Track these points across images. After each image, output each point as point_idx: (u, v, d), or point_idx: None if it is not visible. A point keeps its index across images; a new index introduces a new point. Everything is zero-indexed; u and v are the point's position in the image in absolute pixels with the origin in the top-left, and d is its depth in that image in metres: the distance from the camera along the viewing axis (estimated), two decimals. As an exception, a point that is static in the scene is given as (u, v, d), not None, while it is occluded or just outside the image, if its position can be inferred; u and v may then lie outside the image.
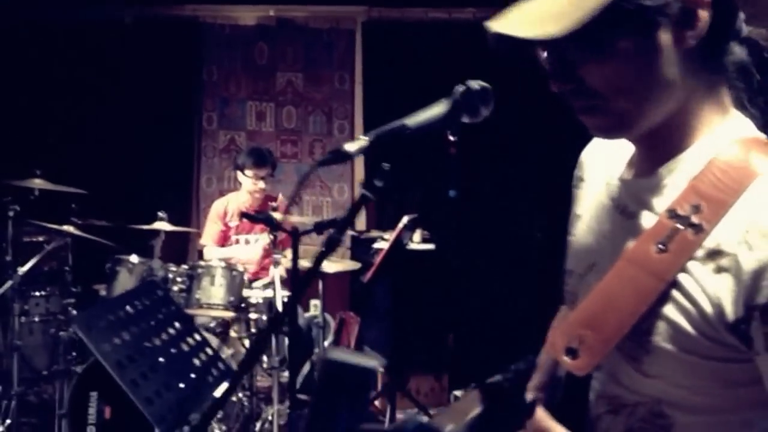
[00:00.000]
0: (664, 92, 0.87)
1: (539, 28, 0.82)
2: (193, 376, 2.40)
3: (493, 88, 1.04)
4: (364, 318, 4.56)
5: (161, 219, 3.57)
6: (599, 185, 1.03)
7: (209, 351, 2.56)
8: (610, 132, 0.93)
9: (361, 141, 1.06)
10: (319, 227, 2.83)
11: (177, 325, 2.55)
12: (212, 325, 3.56)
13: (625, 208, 0.95)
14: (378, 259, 3.72)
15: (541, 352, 1.13)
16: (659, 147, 0.92)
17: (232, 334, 3.57)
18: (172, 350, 2.45)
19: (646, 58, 0.85)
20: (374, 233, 4.50)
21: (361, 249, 4.56)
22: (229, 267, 3.48)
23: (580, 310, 0.92)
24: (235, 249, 4.08)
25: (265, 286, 3.76)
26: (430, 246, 4.33)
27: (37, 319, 3.75)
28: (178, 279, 3.43)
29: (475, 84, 1.04)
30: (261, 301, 3.61)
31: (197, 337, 2.59)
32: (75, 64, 5.03)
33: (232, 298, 3.43)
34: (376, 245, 4.29)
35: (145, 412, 2.13)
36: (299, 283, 3.41)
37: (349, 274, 4.30)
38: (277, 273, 3.36)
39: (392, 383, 3.86)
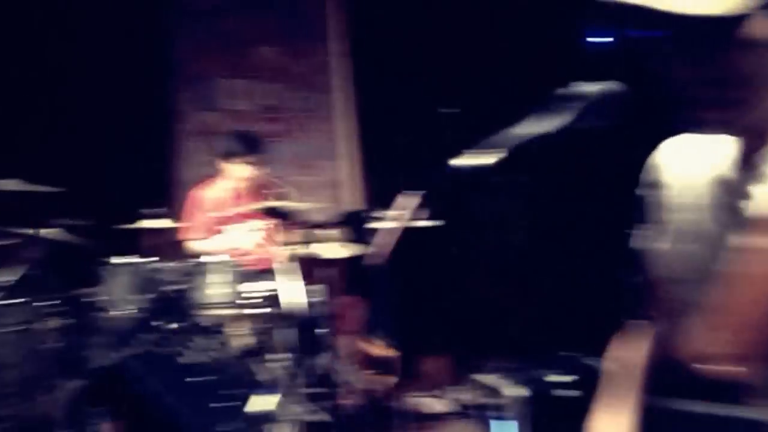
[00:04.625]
0: None
1: (696, 6, 0.80)
2: (222, 392, 2.19)
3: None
4: (368, 301, 4.37)
5: (149, 216, 3.29)
6: (691, 187, 1.00)
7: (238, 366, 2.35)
8: (731, 125, 0.91)
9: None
10: (336, 222, 2.61)
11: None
12: (213, 324, 3.33)
13: (734, 205, 0.92)
14: (389, 241, 3.52)
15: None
16: (762, 140, 0.90)
17: (235, 331, 3.35)
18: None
19: None
20: (371, 211, 4.26)
21: (358, 229, 4.34)
22: (227, 262, 3.23)
23: (731, 316, 0.89)
24: (225, 240, 3.81)
25: (265, 278, 3.54)
26: (436, 222, 4.11)
27: (20, 329, 3.46)
28: (174, 278, 3.16)
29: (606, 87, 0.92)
30: (263, 293, 3.39)
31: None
32: (30, 52, 4.63)
33: (232, 294, 3.19)
34: (376, 225, 4.05)
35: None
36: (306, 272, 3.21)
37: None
38: (279, 264, 3.15)
39: (403, 365, 3.72)
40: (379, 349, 4.29)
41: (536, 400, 2.48)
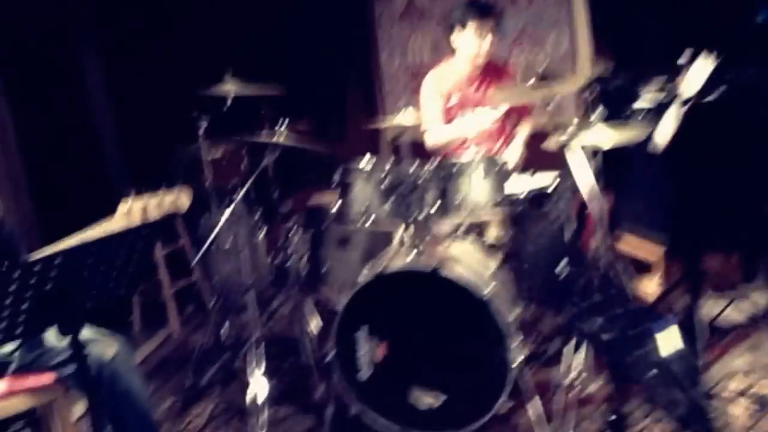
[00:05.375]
0: None
1: None
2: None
3: None
4: (623, 191, 3.70)
5: (394, 112, 2.82)
6: None
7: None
8: None
9: None
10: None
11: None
12: (472, 229, 2.87)
13: None
14: (671, 120, 2.83)
15: None
16: None
17: (493, 236, 2.87)
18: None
19: None
20: (636, 84, 3.49)
21: (613, 102, 3.57)
22: (488, 159, 2.67)
23: None
24: (460, 126, 3.25)
25: (525, 174, 3.01)
26: (722, 88, 3.28)
27: (253, 240, 3.21)
28: (429, 180, 2.65)
29: None
30: (524, 192, 2.86)
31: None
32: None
33: (495, 195, 2.66)
34: (642, 103, 3.28)
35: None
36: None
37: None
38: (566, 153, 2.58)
39: (681, 265, 3.09)
40: (645, 247, 3.65)
41: None
